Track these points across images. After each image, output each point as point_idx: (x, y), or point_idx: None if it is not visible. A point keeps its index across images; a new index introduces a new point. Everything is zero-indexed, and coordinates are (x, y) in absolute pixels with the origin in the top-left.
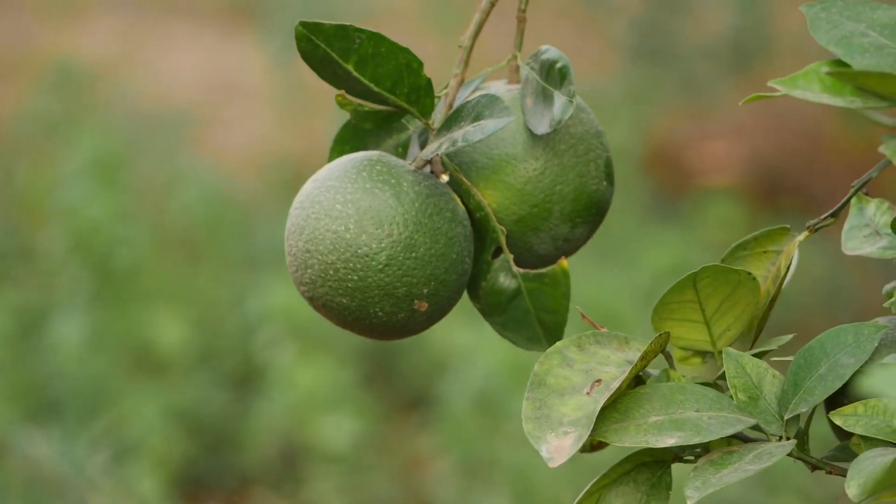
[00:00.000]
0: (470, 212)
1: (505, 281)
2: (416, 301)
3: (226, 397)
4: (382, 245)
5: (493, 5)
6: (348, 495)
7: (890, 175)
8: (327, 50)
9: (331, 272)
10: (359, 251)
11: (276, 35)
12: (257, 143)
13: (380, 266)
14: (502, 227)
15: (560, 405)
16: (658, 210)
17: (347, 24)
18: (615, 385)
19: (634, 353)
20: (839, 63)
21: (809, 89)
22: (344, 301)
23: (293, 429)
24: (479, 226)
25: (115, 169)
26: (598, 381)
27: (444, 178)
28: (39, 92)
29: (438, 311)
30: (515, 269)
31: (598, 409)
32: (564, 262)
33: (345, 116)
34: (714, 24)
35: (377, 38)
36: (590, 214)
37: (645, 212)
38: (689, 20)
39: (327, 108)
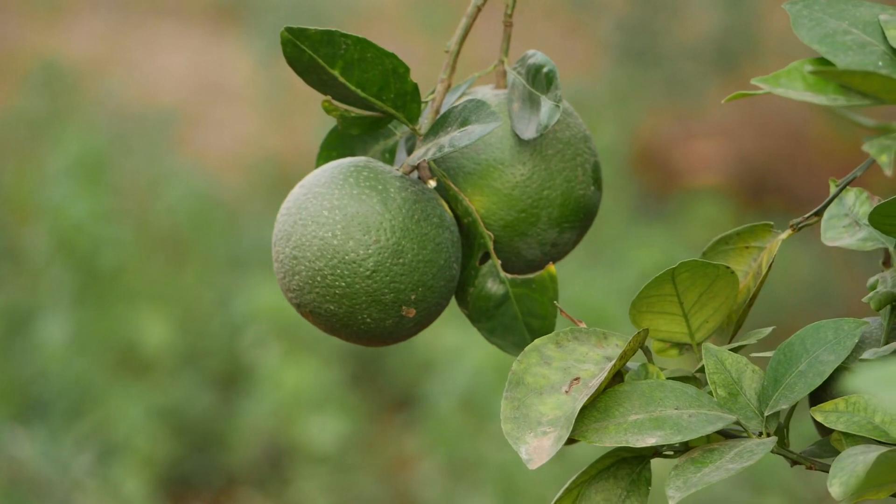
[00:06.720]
0: (457, 217)
1: (493, 286)
2: (403, 307)
3: (211, 397)
4: (370, 251)
5: (479, 10)
6: (334, 495)
7: (876, 175)
8: (313, 55)
9: (318, 279)
10: (346, 257)
11: (261, 36)
12: (242, 143)
13: (367, 272)
14: (490, 233)
15: (539, 404)
16: (644, 210)
17: (333, 29)
18: (594, 384)
19: (613, 349)
20: (822, 61)
21: (792, 87)
22: (331, 307)
23: (279, 429)
24: (466, 232)
25: (99, 169)
26: (577, 378)
27: (432, 183)
28: (25, 92)
29: (426, 317)
30: (503, 274)
31: (578, 409)
32: (552, 267)
33: (331, 122)
34: (700, 24)
35: (363, 44)
36: (577, 219)
37: (631, 211)
38: (675, 21)
39: (312, 109)
